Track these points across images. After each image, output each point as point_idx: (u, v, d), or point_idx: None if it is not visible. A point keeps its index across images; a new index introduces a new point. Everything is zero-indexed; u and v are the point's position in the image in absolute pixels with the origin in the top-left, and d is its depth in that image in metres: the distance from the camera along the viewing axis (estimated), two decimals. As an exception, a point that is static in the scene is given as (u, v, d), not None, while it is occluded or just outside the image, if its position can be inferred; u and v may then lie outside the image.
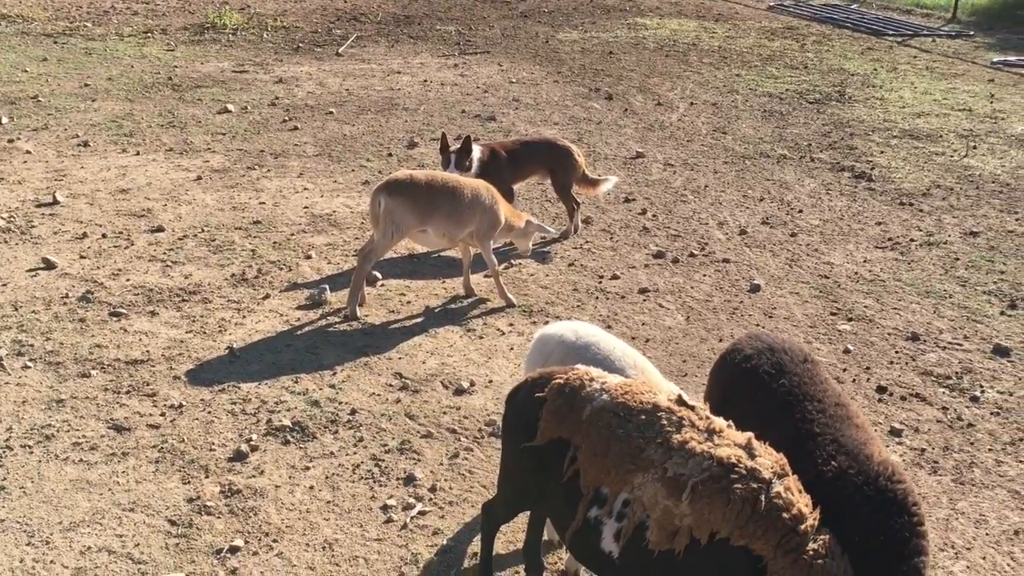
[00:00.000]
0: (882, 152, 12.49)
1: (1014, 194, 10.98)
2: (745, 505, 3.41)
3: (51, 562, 4.50)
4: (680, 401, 3.78)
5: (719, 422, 3.69)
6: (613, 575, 3.81)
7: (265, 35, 17.67)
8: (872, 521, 3.60)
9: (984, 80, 16.94)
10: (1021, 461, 5.89)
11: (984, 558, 4.99)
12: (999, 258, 9.11)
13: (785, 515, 3.40)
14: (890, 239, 9.57)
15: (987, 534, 5.19)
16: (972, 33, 21.50)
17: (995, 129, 13.76)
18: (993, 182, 11.39)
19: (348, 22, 19.44)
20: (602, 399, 3.80)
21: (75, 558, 4.53)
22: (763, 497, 3.42)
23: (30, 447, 5.35)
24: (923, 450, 5.96)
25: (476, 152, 8.39)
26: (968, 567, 4.92)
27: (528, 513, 4.58)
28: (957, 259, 9.07)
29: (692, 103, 14.60)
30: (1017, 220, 10.15)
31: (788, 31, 21.03)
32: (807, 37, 20.37)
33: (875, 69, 17.47)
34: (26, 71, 14.08)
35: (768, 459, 3.53)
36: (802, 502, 3.46)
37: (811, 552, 3.38)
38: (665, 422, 3.66)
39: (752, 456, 3.53)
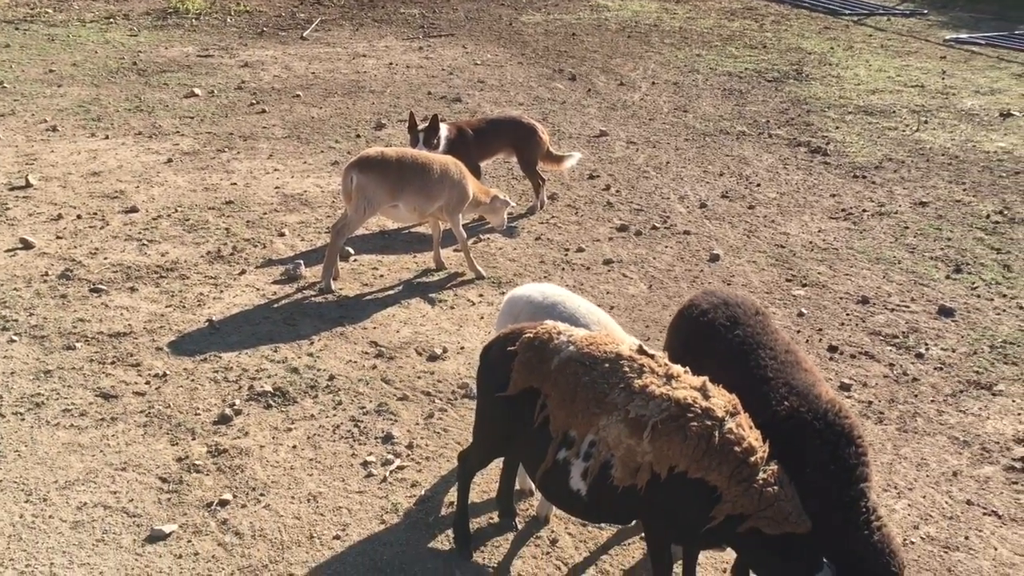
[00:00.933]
0: (837, 127, 12.86)
1: (962, 166, 11.39)
2: (700, 441, 3.73)
3: (50, 517, 4.74)
4: (641, 350, 4.09)
5: (676, 368, 4.00)
6: (582, 512, 4.13)
7: (228, 19, 17.73)
8: (822, 452, 3.95)
9: (937, 57, 17.37)
10: (961, 411, 6.28)
11: (924, 497, 5.37)
12: (946, 226, 9.51)
13: (736, 448, 3.73)
14: (843, 210, 9.94)
15: (927, 476, 5.56)
16: (926, 12, 21.95)
17: (946, 104, 14.18)
18: (943, 155, 11.80)
19: (312, 6, 19.53)
20: (569, 350, 4.10)
21: (72, 513, 4.77)
22: (716, 433, 3.74)
23: (21, 414, 5.57)
24: (870, 403, 6.33)
25: (444, 131, 8.64)
26: (909, 505, 5.30)
27: (501, 465, 4.88)
28: (907, 227, 9.46)
29: (654, 83, 14.90)
30: (964, 190, 10.56)
31: (748, 11, 21.38)
32: (766, 17, 20.72)
33: (832, 48, 17.85)
34: (-10, 58, 14.11)
35: (721, 399, 3.85)
36: (752, 437, 3.78)
37: (761, 481, 3.71)
38: (627, 369, 3.97)
39: (707, 397, 3.84)
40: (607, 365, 4.00)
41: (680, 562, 4.29)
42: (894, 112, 13.66)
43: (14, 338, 6.41)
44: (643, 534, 4.25)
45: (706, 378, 3.95)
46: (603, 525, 4.95)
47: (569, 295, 5.02)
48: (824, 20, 20.67)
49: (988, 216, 9.74)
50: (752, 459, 3.73)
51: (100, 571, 4.43)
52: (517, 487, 5.06)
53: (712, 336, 4.46)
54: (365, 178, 7.37)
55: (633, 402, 3.87)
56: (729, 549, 4.22)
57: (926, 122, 13.17)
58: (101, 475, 5.07)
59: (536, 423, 4.11)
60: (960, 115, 13.55)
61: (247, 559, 4.57)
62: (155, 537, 4.65)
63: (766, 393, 4.15)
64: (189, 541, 4.66)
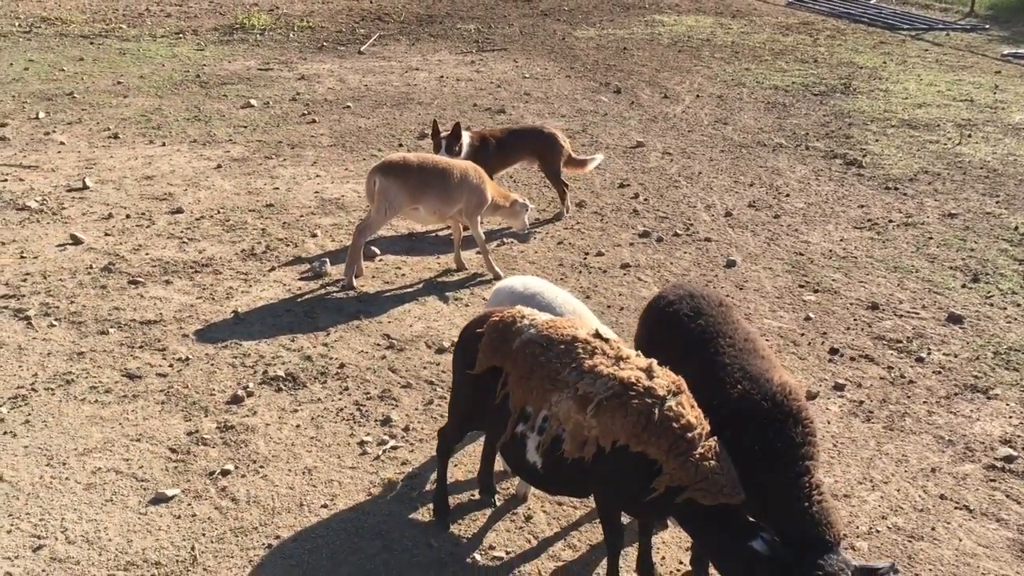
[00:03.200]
0: (877, 140, 12.90)
1: (999, 179, 11.36)
2: (640, 417, 4.00)
3: (66, 479, 5.21)
4: (597, 335, 4.37)
5: (627, 351, 4.28)
6: (539, 482, 4.43)
7: (291, 35, 18.45)
8: (770, 431, 4.18)
9: (991, 72, 17.22)
10: (952, 412, 6.39)
11: (898, 490, 5.52)
12: (971, 237, 9.54)
13: (675, 425, 3.98)
14: (869, 220, 10.03)
15: (905, 471, 5.71)
16: (988, 27, 21.70)
17: (993, 119, 14.10)
18: (981, 168, 11.78)
19: (372, 22, 20.18)
20: (530, 332, 4.41)
21: (87, 476, 5.24)
22: (657, 410, 4.00)
23: (52, 390, 6.09)
24: (861, 402, 6.48)
25: (466, 138, 9.02)
26: (882, 497, 5.45)
27: (482, 447, 5.20)
28: (930, 238, 9.52)
29: (698, 96, 15.10)
30: (997, 203, 10.56)
31: (803, 26, 21.40)
32: (821, 32, 20.72)
33: (884, 62, 17.80)
34: (63, 70, 14.96)
35: (665, 380, 4.12)
36: (692, 415, 4.04)
37: (698, 455, 3.96)
38: (580, 350, 4.26)
39: (651, 377, 4.11)
40: (563, 346, 4.30)
41: (635, 545, 4.54)
42: (938, 126, 13.63)
43: (54, 323, 6.96)
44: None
45: (653, 360, 4.22)
46: (576, 504, 5.22)
47: (549, 286, 5.33)
48: (880, 35, 20.58)
49: (1016, 228, 9.74)
50: (690, 435, 3.98)
51: (105, 527, 4.88)
52: (499, 468, 5.36)
53: (676, 325, 4.72)
54: (387, 181, 7.77)
55: (582, 380, 4.16)
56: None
57: (969, 136, 13.13)
58: (117, 445, 5.54)
59: (498, 399, 4.42)
60: (1006, 129, 13.47)
61: (239, 522, 4.97)
62: (158, 500, 5.09)
63: (721, 377, 4.39)
64: (189, 504, 5.08)
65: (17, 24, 18.30)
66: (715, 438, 4.04)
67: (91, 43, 17.01)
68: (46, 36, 17.46)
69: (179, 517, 4.98)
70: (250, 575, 4.60)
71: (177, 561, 4.66)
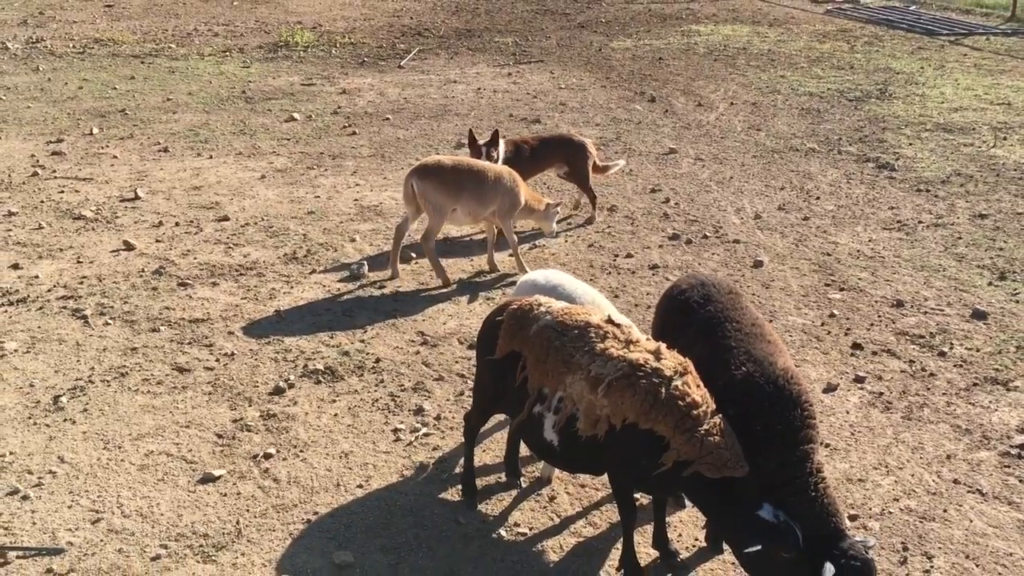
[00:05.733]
0: (911, 144, 12.99)
1: (1033, 180, 11.41)
2: (648, 395, 4.26)
3: (121, 461, 5.61)
4: (609, 320, 4.65)
5: (637, 335, 4.55)
6: (555, 459, 4.71)
7: (334, 51, 18.98)
8: (771, 413, 4.42)
9: (1031, 75, 17.18)
10: (970, 403, 6.54)
11: (912, 475, 5.70)
12: (1001, 237, 9.63)
13: (681, 403, 4.24)
14: (899, 221, 10.16)
15: (921, 458, 5.89)
16: (1029, 30, 21.60)
17: (1030, 121, 14.10)
18: (1015, 170, 11.83)
19: (412, 37, 20.65)
20: (546, 319, 4.70)
21: (140, 458, 5.64)
22: (663, 390, 4.27)
23: (108, 382, 6.51)
24: (880, 393, 6.66)
25: (502, 145, 9.34)
26: (896, 482, 5.64)
27: (508, 431, 5.50)
28: (959, 238, 9.63)
29: (732, 103, 15.29)
30: (1029, 203, 10.62)
31: (841, 33, 21.45)
32: (859, 39, 20.76)
33: (922, 67, 17.82)
34: (115, 88, 15.59)
35: (672, 361, 4.38)
36: (697, 394, 4.29)
37: (703, 431, 4.22)
38: (593, 335, 4.55)
39: (658, 359, 4.38)
40: (576, 332, 4.58)
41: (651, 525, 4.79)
42: (973, 129, 13.67)
43: (109, 322, 7.40)
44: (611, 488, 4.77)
45: (661, 344, 4.49)
46: (598, 485, 5.49)
47: (569, 279, 5.63)
48: (919, 41, 20.57)
49: (1047, 227, 9.81)
50: (695, 412, 4.24)
51: (157, 502, 5.26)
52: (525, 452, 5.64)
53: (688, 311, 4.98)
54: (424, 184, 8.09)
55: (595, 363, 4.44)
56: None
57: (1005, 138, 13.17)
58: (168, 431, 5.93)
59: (517, 382, 4.71)
60: (1043, 131, 13.48)
61: (281, 500, 5.31)
62: (206, 479, 5.47)
63: (727, 359, 4.64)
64: (234, 484, 5.44)
65: (71, 45, 19.05)
66: (720, 415, 4.29)
67: (142, 62, 17.66)
68: (99, 56, 18.15)
69: (225, 495, 5.34)
70: (290, 546, 4.94)
71: (223, 533, 5.02)
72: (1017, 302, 8.16)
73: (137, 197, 10.33)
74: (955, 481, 5.66)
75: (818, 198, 10.91)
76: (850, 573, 4.05)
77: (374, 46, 19.62)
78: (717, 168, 12.00)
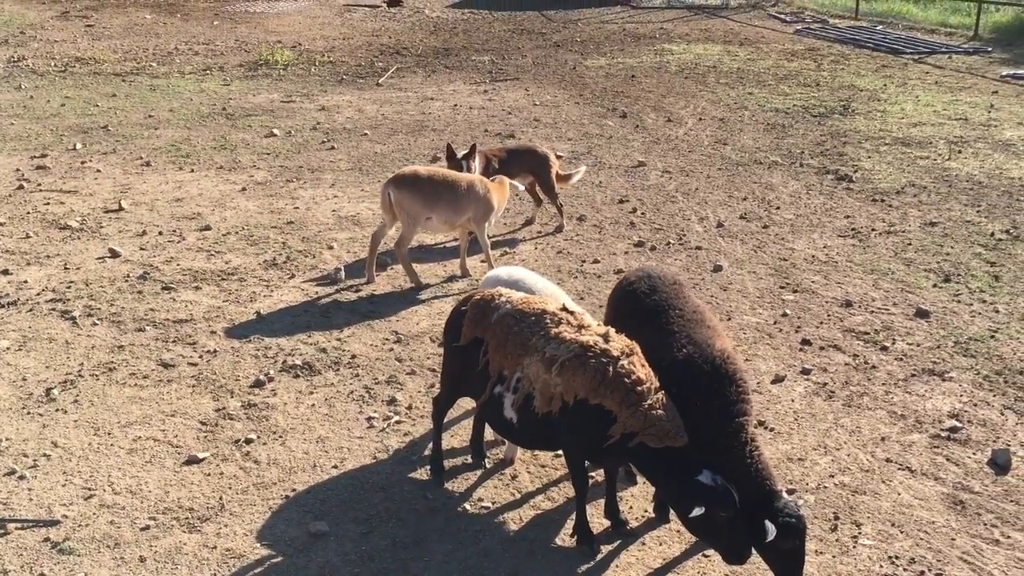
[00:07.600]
0: (869, 157, 13.54)
1: (983, 191, 11.95)
2: (597, 374, 4.69)
3: (111, 445, 5.99)
4: (563, 308, 5.09)
5: (588, 320, 4.99)
6: (515, 436, 5.13)
7: (313, 69, 19.43)
8: (708, 389, 4.85)
9: (989, 92, 17.80)
10: (908, 392, 7.00)
11: (848, 455, 6.15)
12: (949, 243, 10.14)
13: (627, 380, 4.67)
14: (853, 229, 10.66)
15: (857, 440, 6.34)
16: (990, 50, 22.28)
17: (985, 135, 14.69)
18: (967, 181, 12.38)
19: (391, 55, 21.14)
20: (506, 308, 5.13)
21: (129, 443, 6.03)
22: (611, 368, 4.70)
23: (97, 376, 6.89)
24: (824, 384, 7.11)
25: (476, 159, 9.80)
26: (832, 460, 6.08)
27: (473, 416, 5.91)
28: (909, 244, 10.13)
29: (700, 119, 15.83)
30: (978, 212, 11.15)
31: (809, 52, 22.10)
32: (825, 58, 21.39)
33: (885, 85, 18.44)
34: (97, 105, 15.98)
35: (619, 343, 4.82)
36: (642, 372, 4.73)
37: (647, 406, 4.65)
38: (548, 321, 4.98)
39: (607, 341, 4.82)
40: (533, 318, 5.02)
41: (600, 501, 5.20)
42: (930, 143, 14.24)
43: (96, 322, 7.78)
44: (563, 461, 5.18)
45: (610, 328, 4.92)
46: (557, 465, 5.90)
47: (530, 274, 6.08)
48: (884, 59, 21.23)
49: (992, 234, 10.32)
50: (640, 388, 4.67)
51: (145, 481, 5.64)
52: (490, 436, 6.06)
53: (635, 300, 5.43)
54: (400, 194, 8.51)
55: (549, 345, 4.87)
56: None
57: (959, 152, 13.73)
58: (154, 419, 6.32)
59: (480, 366, 5.14)
60: (996, 145, 14.06)
61: (261, 478, 5.71)
62: (191, 461, 5.86)
63: (670, 343, 5.09)
64: (217, 465, 5.83)
65: (53, 64, 19.43)
66: (663, 392, 4.72)
67: (123, 80, 18.06)
68: (80, 75, 18.54)
69: (209, 475, 5.73)
70: (269, 518, 5.33)
71: (208, 507, 5.41)
72: (959, 302, 8.64)
73: (121, 208, 10.71)
74: (887, 460, 6.11)
75: (778, 208, 11.40)
76: (785, 528, 4.48)
77: (353, 64, 20.09)
78: (684, 180, 12.48)
